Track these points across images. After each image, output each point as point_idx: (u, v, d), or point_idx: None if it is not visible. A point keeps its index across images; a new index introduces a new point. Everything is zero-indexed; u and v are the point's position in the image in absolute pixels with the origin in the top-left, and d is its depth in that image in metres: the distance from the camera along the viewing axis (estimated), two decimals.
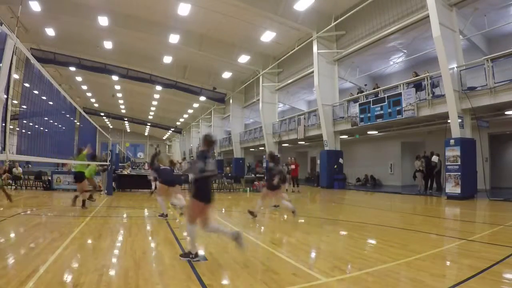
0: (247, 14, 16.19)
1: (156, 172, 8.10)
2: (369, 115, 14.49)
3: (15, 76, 3.81)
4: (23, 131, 5.03)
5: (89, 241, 4.72)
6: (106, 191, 12.10)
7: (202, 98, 29.34)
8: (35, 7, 15.37)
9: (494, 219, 7.40)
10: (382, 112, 13.79)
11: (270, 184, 7.02)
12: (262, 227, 6.47)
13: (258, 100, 23.53)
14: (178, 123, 46.07)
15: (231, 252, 4.28)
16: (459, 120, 10.80)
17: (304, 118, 19.44)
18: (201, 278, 3.15)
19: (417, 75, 12.83)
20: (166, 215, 6.97)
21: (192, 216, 3.82)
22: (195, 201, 3.82)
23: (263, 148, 24.19)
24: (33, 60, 4.45)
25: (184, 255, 3.80)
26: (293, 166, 15.29)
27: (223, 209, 9.05)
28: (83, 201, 8.46)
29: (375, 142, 19.55)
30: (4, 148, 3.60)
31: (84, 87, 31.93)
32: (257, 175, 17.20)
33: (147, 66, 24.02)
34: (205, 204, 3.82)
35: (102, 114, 41.66)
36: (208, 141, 4.06)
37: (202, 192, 3.84)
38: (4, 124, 3.47)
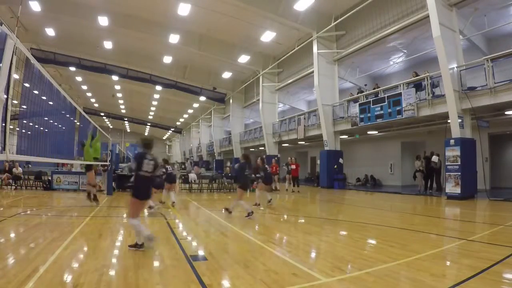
0: (247, 14, 16.20)
1: None
2: (369, 115, 14.49)
3: (15, 76, 3.81)
4: (23, 131, 5.03)
5: (89, 241, 4.72)
6: (106, 191, 12.10)
7: (202, 98, 29.35)
8: (35, 7, 15.37)
9: (494, 219, 7.40)
10: (382, 112, 13.79)
11: (242, 184, 7.36)
12: (262, 227, 6.47)
13: (258, 100, 23.53)
14: (178, 123, 46.11)
15: (231, 252, 4.28)
16: (459, 120, 10.81)
17: (304, 118, 19.44)
18: (201, 278, 3.15)
19: (417, 75, 12.83)
20: (152, 207, 7.71)
21: (134, 212, 4.27)
22: (132, 199, 4.27)
23: (263, 148, 24.19)
24: (33, 60, 4.45)
25: (133, 246, 4.16)
26: (293, 166, 15.28)
27: (223, 209, 9.04)
28: (89, 194, 8.82)
29: (375, 142, 19.56)
30: (4, 148, 3.60)
31: (84, 87, 31.95)
32: (257, 175, 17.17)
33: (147, 66, 24.03)
34: (140, 201, 4.32)
35: (102, 114, 41.70)
36: (144, 143, 4.44)
37: (137, 190, 4.30)
38: (4, 124, 3.47)
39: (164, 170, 9.52)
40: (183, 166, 33.19)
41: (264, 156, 10.97)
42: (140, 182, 4.28)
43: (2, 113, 3.33)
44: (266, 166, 10.17)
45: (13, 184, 14.13)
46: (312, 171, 25.33)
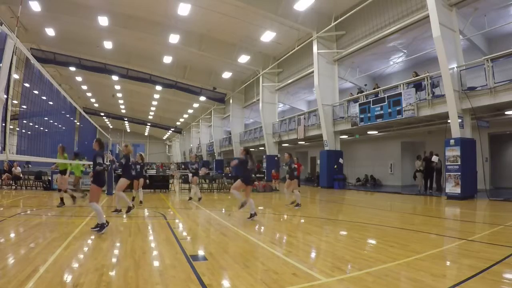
0: (247, 14, 16.20)
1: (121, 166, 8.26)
2: (369, 115, 14.49)
3: (15, 76, 3.81)
4: (23, 131, 5.04)
5: (89, 241, 4.73)
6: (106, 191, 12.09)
7: (202, 98, 29.35)
8: (35, 7, 15.37)
9: (494, 219, 7.40)
10: (382, 112, 13.79)
11: (244, 177, 7.07)
12: (262, 227, 6.47)
13: (258, 100, 23.53)
14: (178, 123, 46.10)
15: (231, 252, 4.28)
16: (459, 120, 10.80)
17: (304, 118, 19.44)
18: (201, 278, 3.15)
19: (417, 75, 12.83)
20: (120, 211, 7.51)
21: (95, 197, 5.30)
22: (95, 187, 5.36)
23: (263, 148, 24.19)
24: (33, 60, 4.46)
25: (98, 228, 5.11)
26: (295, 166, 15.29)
27: (223, 209, 9.05)
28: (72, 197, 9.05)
29: (375, 142, 19.55)
30: (4, 148, 3.60)
31: (84, 87, 31.96)
32: (257, 175, 17.21)
33: (147, 66, 24.03)
34: (101, 188, 5.56)
35: (102, 114, 41.72)
36: (101, 143, 5.62)
37: (101, 180, 5.51)
38: (4, 124, 3.48)
39: (195, 165, 10.52)
40: (183, 166, 33.12)
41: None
42: (103, 174, 5.50)
43: (2, 113, 3.33)
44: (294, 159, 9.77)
45: (12, 184, 14.12)
46: (312, 171, 25.32)
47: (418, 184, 13.98)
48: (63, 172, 8.86)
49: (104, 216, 5.27)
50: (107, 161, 5.59)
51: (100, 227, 5.11)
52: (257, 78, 23.30)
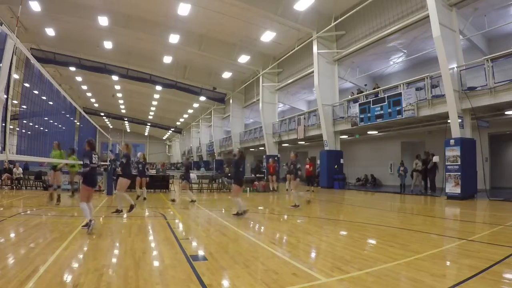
0: (247, 14, 16.20)
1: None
2: (369, 115, 14.49)
3: (15, 76, 3.81)
4: (23, 131, 5.04)
5: (89, 241, 4.72)
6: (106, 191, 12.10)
7: (202, 98, 29.36)
8: (35, 7, 15.36)
9: (494, 219, 7.39)
10: (382, 112, 13.79)
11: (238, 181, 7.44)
12: (262, 227, 6.47)
13: (258, 100, 23.53)
14: (178, 123, 46.11)
15: (231, 252, 4.28)
16: (459, 120, 10.80)
17: (304, 118, 19.44)
18: (201, 278, 3.15)
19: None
20: (121, 211, 7.40)
21: (85, 197, 5.38)
22: (85, 187, 5.46)
23: (263, 148, 24.19)
24: (33, 60, 4.46)
25: (86, 225, 5.15)
26: (307, 166, 15.31)
27: (223, 209, 9.05)
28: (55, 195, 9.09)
29: (375, 142, 19.55)
30: (4, 148, 3.61)
31: (84, 87, 31.95)
32: (257, 175, 17.21)
33: (147, 66, 24.03)
34: (92, 188, 5.59)
35: (102, 114, 41.71)
36: (91, 144, 5.65)
37: (91, 180, 5.52)
38: (4, 124, 3.48)
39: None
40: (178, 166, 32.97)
41: None
42: (91, 174, 5.48)
43: (2, 113, 3.33)
44: None
45: (9, 184, 14.08)
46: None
47: (414, 184, 13.97)
48: (55, 167, 9.03)
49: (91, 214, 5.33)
50: (98, 161, 5.74)
51: (87, 225, 5.14)
52: (257, 78, 23.30)
